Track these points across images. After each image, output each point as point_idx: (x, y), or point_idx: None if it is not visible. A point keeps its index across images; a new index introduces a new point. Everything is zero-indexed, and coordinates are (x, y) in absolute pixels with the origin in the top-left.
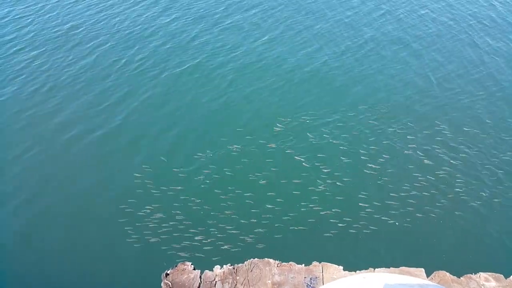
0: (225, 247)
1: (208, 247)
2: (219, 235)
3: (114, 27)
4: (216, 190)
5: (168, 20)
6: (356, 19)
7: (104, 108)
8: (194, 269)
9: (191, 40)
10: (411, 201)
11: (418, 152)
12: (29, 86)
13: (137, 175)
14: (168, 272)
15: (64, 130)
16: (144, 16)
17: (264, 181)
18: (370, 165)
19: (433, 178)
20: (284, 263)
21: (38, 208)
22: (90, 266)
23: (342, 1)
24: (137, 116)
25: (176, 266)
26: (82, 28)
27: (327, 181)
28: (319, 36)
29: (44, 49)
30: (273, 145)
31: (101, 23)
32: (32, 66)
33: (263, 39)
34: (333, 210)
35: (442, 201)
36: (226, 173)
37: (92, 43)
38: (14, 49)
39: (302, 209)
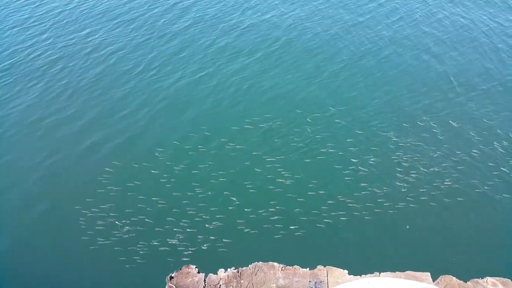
0: (229, 250)
1: (213, 250)
2: (224, 238)
3: (131, 33)
4: (220, 195)
5: (184, 26)
6: (372, 22)
7: (123, 116)
8: (198, 272)
9: (208, 46)
10: (419, 205)
11: (444, 157)
12: (48, 93)
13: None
14: (172, 275)
15: (83, 137)
16: (161, 21)
17: (272, 186)
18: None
19: (442, 183)
20: (288, 266)
21: (60, 214)
22: (96, 268)
23: (356, 4)
24: (155, 123)
25: (180, 269)
26: (98, 35)
27: (331, 184)
28: (336, 40)
29: (61, 55)
30: (294, 153)
31: (118, 29)
32: (50, 73)
33: (279, 43)
34: (338, 212)
35: (449, 205)
36: (233, 178)
37: (108, 49)
38: (32, 55)
39: (305, 212)
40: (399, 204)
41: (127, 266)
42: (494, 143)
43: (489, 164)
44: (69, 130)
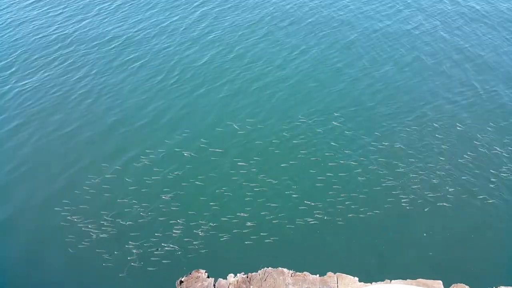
0: (239, 254)
1: (222, 255)
2: (233, 243)
3: (152, 40)
4: (231, 199)
5: (204, 33)
6: (389, 30)
7: (144, 124)
8: (208, 277)
9: (228, 53)
10: (433, 211)
11: (452, 160)
12: (70, 100)
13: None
14: (182, 279)
15: (103, 149)
16: (181, 29)
17: (288, 192)
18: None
19: (460, 188)
20: (298, 272)
21: (77, 220)
22: (106, 273)
23: (373, 11)
24: (177, 134)
25: (190, 273)
26: (120, 42)
27: (342, 190)
28: (356, 47)
29: (84, 62)
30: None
31: (139, 37)
32: (72, 81)
33: (297, 52)
34: (348, 217)
35: (463, 213)
36: (246, 184)
37: (131, 56)
38: (56, 63)
39: (313, 217)
40: (410, 210)
41: (136, 271)
42: (497, 148)
43: (493, 170)
44: (90, 138)
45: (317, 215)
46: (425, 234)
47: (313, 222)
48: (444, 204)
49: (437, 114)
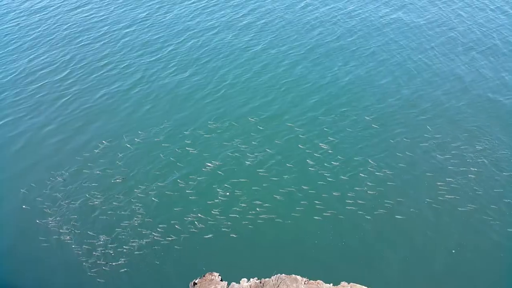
0: (253, 259)
1: (236, 259)
2: (247, 247)
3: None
4: (243, 203)
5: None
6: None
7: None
8: (221, 280)
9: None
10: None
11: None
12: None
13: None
14: (196, 281)
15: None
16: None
17: (304, 199)
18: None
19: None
20: (311, 280)
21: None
22: (122, 271)
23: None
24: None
25: (204, 275)
26: (169, 49)
27: (361, 200)
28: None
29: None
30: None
31: (187, 45)
32: (113, 87)
33: (347, 68)
34: (365, 228)
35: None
36: (259, 189)
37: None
38: (110, 66)
39: (334, 226)
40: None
41: (149, 270)
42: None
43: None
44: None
45: (340, 224)
46: (453, 251)
47: (331, 230)
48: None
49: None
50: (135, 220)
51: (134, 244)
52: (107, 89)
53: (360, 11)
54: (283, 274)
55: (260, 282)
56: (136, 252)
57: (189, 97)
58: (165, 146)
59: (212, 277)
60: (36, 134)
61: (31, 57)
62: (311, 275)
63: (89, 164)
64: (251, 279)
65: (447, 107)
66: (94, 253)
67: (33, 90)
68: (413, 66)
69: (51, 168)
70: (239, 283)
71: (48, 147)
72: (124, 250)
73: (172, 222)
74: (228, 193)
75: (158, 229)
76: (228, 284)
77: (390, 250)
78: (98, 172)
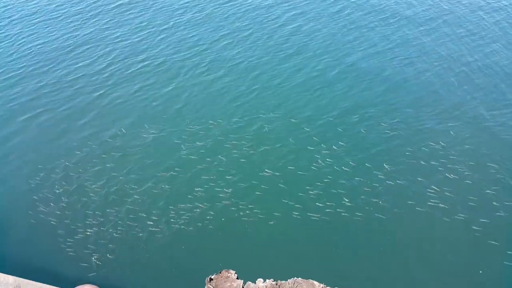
0: (270, 260)
1: (253, 258)
2: (265, 248)
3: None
4: (263, 205)
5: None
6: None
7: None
8: (237, 278)
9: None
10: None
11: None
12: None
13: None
14: (212, 277)
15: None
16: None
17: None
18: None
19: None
20: (328, 287)
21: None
22: (140, 265)
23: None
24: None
25: (220, 272)
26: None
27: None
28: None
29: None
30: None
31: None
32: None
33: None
34: (393, 233)
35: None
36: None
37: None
38: (150, 61)
39: (356, 231)
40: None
41: (166, 266)
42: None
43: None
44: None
45: (363, 230)
46: (481, 271)
47: (350, 235)
48: None
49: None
50: (150, 211)
51: (150, 235)
52: (140, 85)
53: (397, 18)
54: (299, 278)
55: (276, 284)
56: (154, 244)
57: (221, 98)
58: (189, 144)
59: (228, 274)
60: (70, 126)
61: (69, 48)
62: (327, 281)
63: (114, 159)
64: (267, 280)
65: (486, 120)
66: (108, 244)
67: (70, 82)
68: (454, 78)
69: (79, 160)
70: (255, 282)
71: (79, 140)
72: (139, 240)
73: (189, 216)
74: (248, 192)
75: (172, 222)
76: (244, 283)
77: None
78: (125, 168)
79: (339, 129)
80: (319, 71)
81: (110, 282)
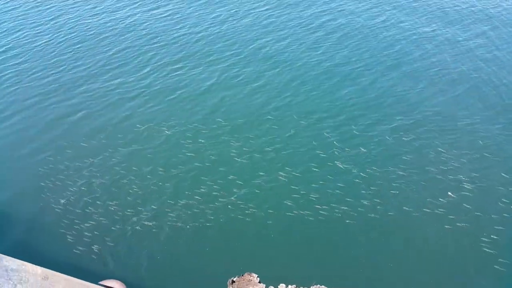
0: (293, 266)
1: (276, 263)
2: (289, 253)
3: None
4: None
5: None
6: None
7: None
8: (259, 282)
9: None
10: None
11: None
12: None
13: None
14: (234, 279)
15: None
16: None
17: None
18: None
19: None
20: None
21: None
22: (164, 262)
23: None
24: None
25: (242, 275)
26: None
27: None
28: None
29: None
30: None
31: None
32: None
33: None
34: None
35: None
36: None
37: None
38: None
39: (388, 241)
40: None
41: (190, 261)
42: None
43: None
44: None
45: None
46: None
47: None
48: None
49: None
50: (167, 205)
51: (172, 230)
52: (180, 91)
53: (443, 30)
54: (323, 286)
55: None
56: (177, 241)
57: (252, 104)
58: (218, 146)
59: (251, 277)
60: (106, 131)
61: (107, 49)
62: (329, 281)
63: (147, 163)
64: (290, 286)
65: None
66: (133, 240)
67: (109, 86)
68: (493, 93)
69: (116, 165)
70: (277, 287)
71: (114, 147)
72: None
73: (213, 215)
74: (272, 194)
75: (195, 220)
76: (266, 287)
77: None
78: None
79: (365, 135)
80: (353, 79)
81: (134, 279)
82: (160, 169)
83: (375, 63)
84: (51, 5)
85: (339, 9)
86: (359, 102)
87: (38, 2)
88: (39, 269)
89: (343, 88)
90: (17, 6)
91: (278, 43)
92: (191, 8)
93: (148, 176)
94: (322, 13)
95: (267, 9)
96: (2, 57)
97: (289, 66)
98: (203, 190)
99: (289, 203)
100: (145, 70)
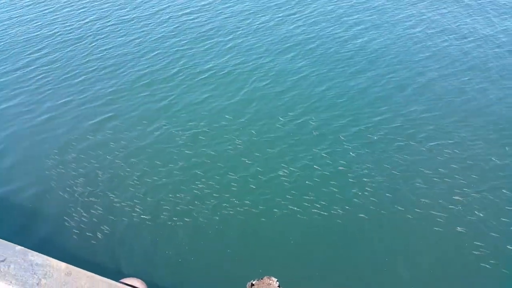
0: (315, 273)
1: (297, 268)
2: (311, 259)
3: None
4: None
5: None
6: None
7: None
8: (279, 286)
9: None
10: None
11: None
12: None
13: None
14: (253, 282)
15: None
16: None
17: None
18: None
19: None
20: None
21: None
22: (185, 264)
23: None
24: None
25: (262, 278)
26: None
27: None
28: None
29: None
30: None
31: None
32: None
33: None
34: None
35: None
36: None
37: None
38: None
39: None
40: None
41: (208, 266)
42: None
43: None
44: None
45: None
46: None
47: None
48: None
49: None
50: (194, 205)
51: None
52: (208, 94)
53: (475, 36)
54: None
55: None
56: (197, 240)
57: (282, 111)
58: (250, 156)
59: (270, 281)
60: (136, 131)
61: (138, 54)
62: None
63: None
64: None
65: None
66: (152, 240)
67: (143, 95)
68: None
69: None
70: None
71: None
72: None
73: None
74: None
75: (217, 220)
76: None
77: None
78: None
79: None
80: (388, 90)
81: (154, 278)
82: (186, 167)
83: (407, 79)
84: (83, 6)
85: (375, 19)
86: (385, 110)
87: (70, 4)
88: (63, 265)
89: (370, 96)
90: (49, 7)
91: (308, 55)
92: (221, 14)
93: (175, 177)
94: (355, 24)
95: (298, 18)
96: (37, 58)
97: (319, 75)
98: (231, 189)
99: (312, 208)
100: (175, 74)
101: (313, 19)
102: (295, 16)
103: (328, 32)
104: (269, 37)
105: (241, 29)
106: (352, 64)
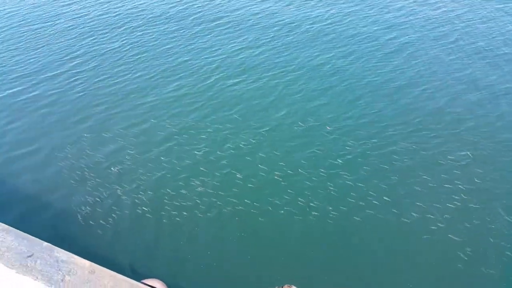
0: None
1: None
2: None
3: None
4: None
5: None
6: None
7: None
8: None
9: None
10: None
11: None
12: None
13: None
14: None
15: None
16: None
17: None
18: None
19: None
20: None
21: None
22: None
23: None
24: None
25: (282, 286)
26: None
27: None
28: None
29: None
30: None
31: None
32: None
33: None
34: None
35: None
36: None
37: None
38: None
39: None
40: None
41: (230, 271)
42: None
43: None
44: None
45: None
46: None
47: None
48: None
49: None
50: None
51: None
52: (244, 105)
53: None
54: None
55: None
56: (220, 245)
57: (312, 120)
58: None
59: None
60: (168, 137)
61: (172, 58)
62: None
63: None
64: None
65: None
66: (174, 243)
67: (171, 96)
68: None
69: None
70: None
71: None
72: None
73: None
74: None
75: (240, 224)
76: None
77: None
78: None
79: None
80: (422, 101)
81: (175, 279)
82: (217, 174)
83: (444, 85)
84: (118, 12)
85: (407, 24)
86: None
87: (107, 9)
88: (87, 263)
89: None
90: (87, 13)
91: (341, 59)
92: (251, 21)
93: (200, 183)
94: (388, 29)
95: (330, 23)
96: (74, 64)
97: (351, 83)
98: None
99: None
100: (208, 81)
101: (346, 33)
102: (326, 23)
103: (364, 45)
104: (300, 47)
105: (272, 38)
106: (383, 74)
